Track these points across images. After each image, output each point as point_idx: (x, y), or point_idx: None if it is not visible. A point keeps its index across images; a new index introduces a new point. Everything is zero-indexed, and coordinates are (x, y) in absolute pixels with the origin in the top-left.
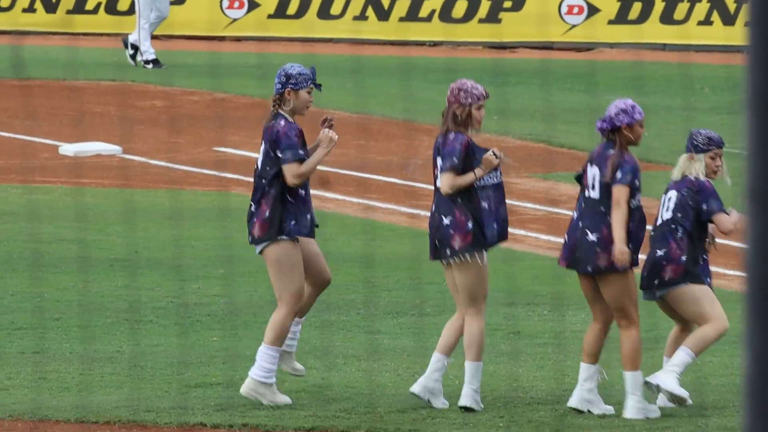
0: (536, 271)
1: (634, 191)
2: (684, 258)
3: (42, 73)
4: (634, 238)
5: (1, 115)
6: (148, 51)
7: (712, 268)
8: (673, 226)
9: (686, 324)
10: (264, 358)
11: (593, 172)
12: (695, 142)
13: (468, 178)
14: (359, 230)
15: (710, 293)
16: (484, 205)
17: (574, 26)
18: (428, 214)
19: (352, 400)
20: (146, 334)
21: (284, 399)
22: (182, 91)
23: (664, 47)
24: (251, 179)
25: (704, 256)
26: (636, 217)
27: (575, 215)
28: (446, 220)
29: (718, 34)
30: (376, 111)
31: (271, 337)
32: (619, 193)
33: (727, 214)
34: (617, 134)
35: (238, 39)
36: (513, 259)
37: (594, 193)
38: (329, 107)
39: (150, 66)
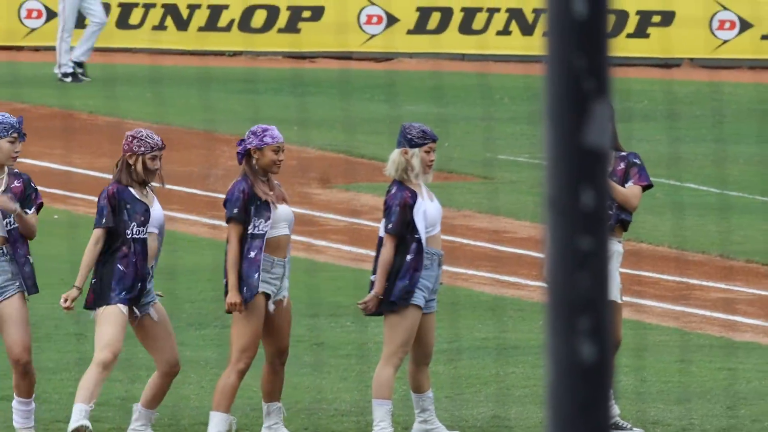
0: (338, 282)
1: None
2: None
3: None
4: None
5: None
6: (66, 64)
7: (514, 279)
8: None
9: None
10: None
11: None
12: (409, 137)
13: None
14: None
15: None
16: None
17: (373, 36)
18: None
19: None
20: None
21: None
22: None
23: (463, 57)
24: (49, 189)
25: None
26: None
27: None
28: None
29: (516, 44)
30: (176, 121)
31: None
32: (228, 230)
33: (392, 235)
34: (246, 159)
35: (36, 49)
36: (315, 270)
37: None
38: (129, 118)
39: (68, 80)
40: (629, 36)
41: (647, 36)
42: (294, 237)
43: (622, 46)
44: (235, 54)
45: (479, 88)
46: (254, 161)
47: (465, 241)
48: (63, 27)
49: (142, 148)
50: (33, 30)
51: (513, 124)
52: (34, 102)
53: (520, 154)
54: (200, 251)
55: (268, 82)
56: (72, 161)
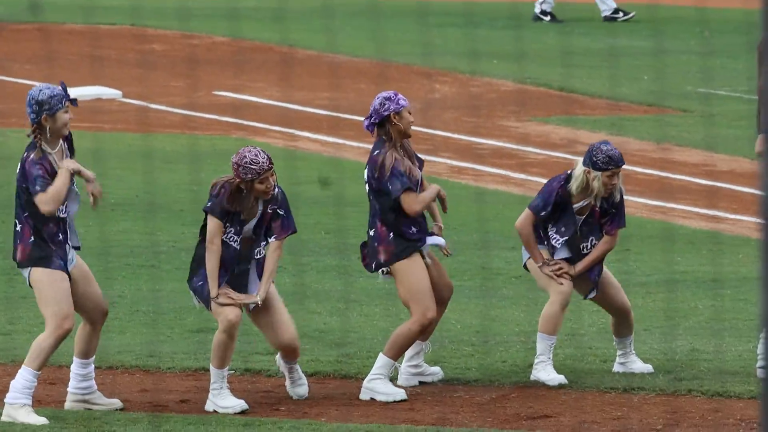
0: None
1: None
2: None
3: (57, 16)
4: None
5: (10, 58)
6: (547, 1)
7: (712, 212)
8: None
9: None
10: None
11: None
12: (594, 159)
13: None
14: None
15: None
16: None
17: None
18: (441, 160)
19: (355, 345)
20: (146, 279)
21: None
22: (181, 35)
23: None
24: (249, 123)
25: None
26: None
27: None
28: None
29: None
30: (394, 56)
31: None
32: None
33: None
34: (387, 126)
35: None
36: (511, 203)
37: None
38: (343, 52)
39: (547, 18)
40: None
41: None
42: (490, 170)
43: None
44: None
45: (678, 21)
46: (390, 128)
47: (664, 174)
48: None
49: (249, 175)
50: None
51: (713, 57)
52: (234, 35)
53: (720, 87)
54: None
55: (489, 19)
56: (271, 95)
